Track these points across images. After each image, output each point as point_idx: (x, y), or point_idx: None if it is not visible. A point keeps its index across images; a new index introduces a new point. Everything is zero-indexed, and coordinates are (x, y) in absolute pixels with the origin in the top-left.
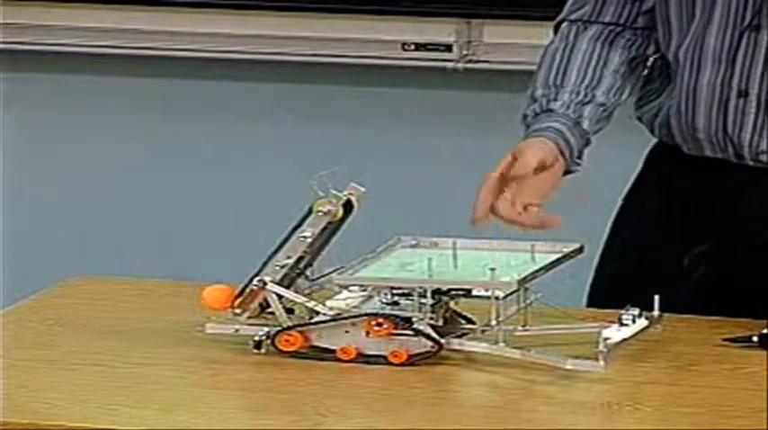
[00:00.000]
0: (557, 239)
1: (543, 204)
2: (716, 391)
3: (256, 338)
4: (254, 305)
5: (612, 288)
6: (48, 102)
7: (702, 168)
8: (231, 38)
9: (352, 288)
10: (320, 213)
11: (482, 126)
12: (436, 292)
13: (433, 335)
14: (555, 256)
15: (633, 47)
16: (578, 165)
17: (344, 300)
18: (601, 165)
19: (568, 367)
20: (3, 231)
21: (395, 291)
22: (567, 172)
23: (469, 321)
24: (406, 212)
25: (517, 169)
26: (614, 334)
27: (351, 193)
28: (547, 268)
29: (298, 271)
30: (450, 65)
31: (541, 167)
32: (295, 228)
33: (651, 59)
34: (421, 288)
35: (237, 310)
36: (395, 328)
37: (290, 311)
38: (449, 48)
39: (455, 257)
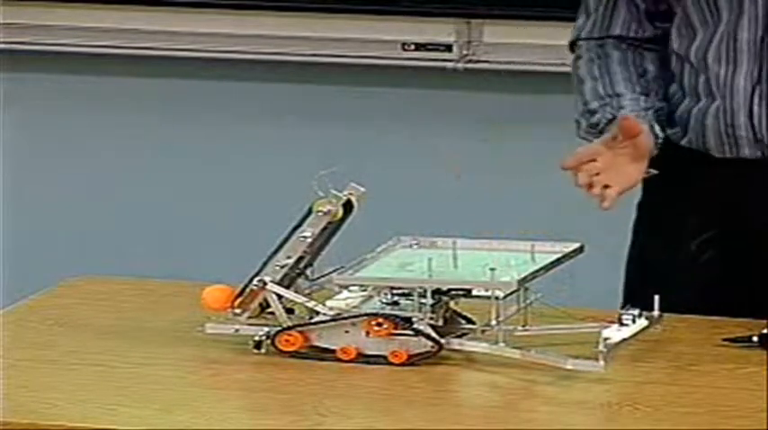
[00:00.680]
0: (557, 239)
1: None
2: (716, 391)
3: (256, 338)
4: (254, 305)
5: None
6: (48, 102)
7: (727, 169)
8: (231, 38)
9: (352, 288)
10: (320, 213)
11: (482, 126)
12: (436, 292)
13: (433, 335)
14: (555, 256)
15: (658, 50)
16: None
17: (344, 299)
18: None
19: (568, 367)
20: (3, 231)
21: (395, 291)
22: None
23: (469, 321)
24: (406, 212)
25: (636, 127)
26: (614, 334)
27: (351, 193)
28: (547, 268)
29: (298, 271)
30: (450, 65)
31: (639, 148)
32: (295, 228)
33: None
34: (421, 288)
35: (237, 310)
36: (395, 328)
37: (290, 311)
38: (449, 48)
39: (455, 257)
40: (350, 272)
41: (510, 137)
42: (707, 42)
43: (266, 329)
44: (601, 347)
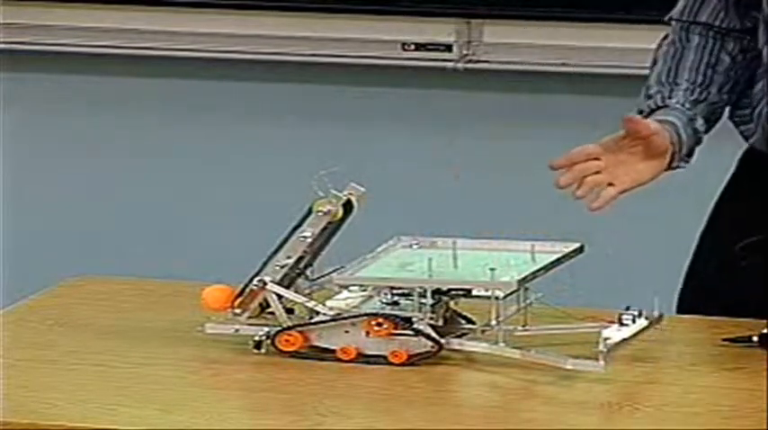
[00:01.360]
0: (557, 239)
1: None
2: (716, 391)
3: (256, 338)
4: (254, 305)
5: (702, 292)
6: (48, 102)
7: None
8: (231, 38)
9: (352, 288)
10: (320, 213)
11: (482, 126)
12: (436, 292)
13: (433, 335)
14: (555, 256)
15: (744, 41)
16: (687, 162)
17: (344, 299)
18: None
19: (568, 367)
20: (3, 231)
21: (395, 291)
22: (672, 167)
23: (469, 321)
24: (406, 212)
25: (641, 128)
26: (614, 334)
27: (350, 193)
28: (547, 268)
29: (298, 271)
30: (450, 65)
31: (652, 148)
32: (295, 228)
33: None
34: (421, 288)
35: (237, 310)
36: (395, 328)
37: (289, 311)
38: (449, 48)
39: (455, 257)
40: (350, 272)
41: (510, 137)
42: None
43: (266, 329)
44: (601, 347)
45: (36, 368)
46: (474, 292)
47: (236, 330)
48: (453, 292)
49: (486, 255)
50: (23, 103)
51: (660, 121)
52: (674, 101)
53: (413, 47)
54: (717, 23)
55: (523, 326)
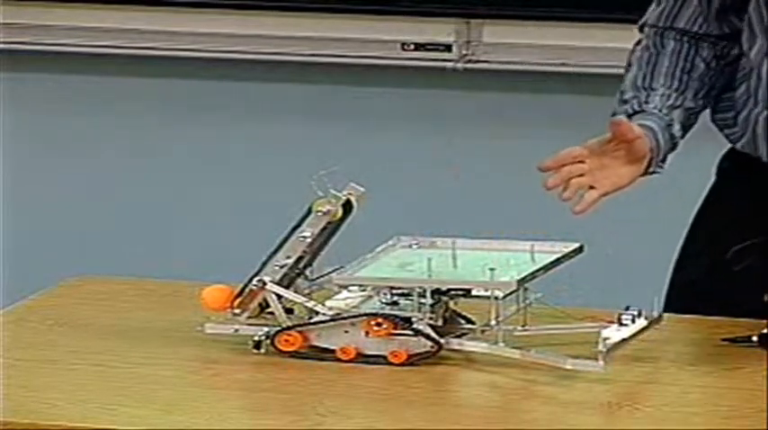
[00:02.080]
0: (557, 239)
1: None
2: (716, 391)
3: (256, 338)
4: (254, 305)
5: (690, 294)
6: (48, 102)
7: None
8: (231, 38)
9: (351, 288)
10: (320, 213)
11: (482, 126)
12: (436, 292)
13: (433, 335)
14: (554, 256)
15: (718, 47)
16: (661, 167)
17: (344, 299)
18: None
19: (568, 367)
20: (3, 231)
21: (394, 291)
22: (648, 172)
23: (469, 321)
24: (405, 212)
25: (627, 131)
26: (614, 334)
27: (350, 193)
28: (546, 268)
29: (297, 271)
30: (449, 65)
31: (633, 152)
32: (294, 228)
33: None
34: (420, 288)
35: (237, 310)
36: (394, 328)
37: (289, 311)
38: (448, 48)
39: (454, 257)
40: (349, 272)
41: (509, 137)
42: (765, 50)
43: (266, 329)
44: (600, 347)
45: (36, 368)
46: (473, 292)
47: (236, 330)
48: (453, 292)
49: (486, 255)
50: (23, 103)
51: (638, 126)
52: (651, 106)
53: (412, 47)
54: (694, 29)
55: (523, 326)
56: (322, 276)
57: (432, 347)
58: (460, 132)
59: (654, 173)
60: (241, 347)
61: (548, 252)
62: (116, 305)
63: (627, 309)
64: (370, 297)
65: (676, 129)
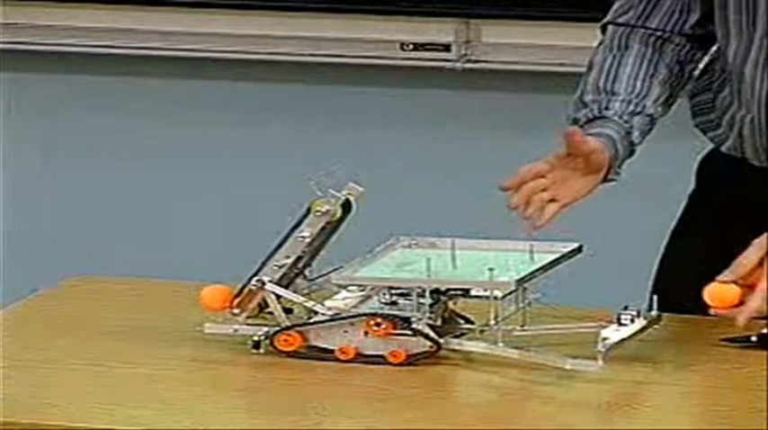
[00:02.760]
0: (556, 240)
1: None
2: (715, 391)
3: (255, 338)
4: (253, 305)
5: (674, 294)
6: (48, 102)
7: (765, 176)
8: (231, 38)
9: (350, 288)
10: (319, 213)
11: (481, 126)
12: (435, 292)
13: (432, 334)
14: (553, 256)
15: (682, 52)
16: (618, 175)
17: (343, 299)
18: None
19: (567, 367)
20: (3, 231)
21: (393, 291)
22: (606, 180)
23: (468, 321)
24: (404, 212)
25: (581, 145)
26: (613, 334)
27: (349, 193)
28: (545, 268)
29: (296, 271)
30: (448, 65)
31: (591, 165)
32: (294, 228)
33: (701, 67)
34: (419, 288)
35: (236, 310)
36: (393, 328)
37: (288, 311)
38: (447, 48)
39: (454, 257)
40: (348, 272)
41: (509, 137)
42: (744, 55)
43: (265, 329)
44: (599, 347)
45: (36, 368)
46: (472, 292)
47: (235, 330)
48: (452, 292)
49: (485, 256)
50: (23, 102)
51: (597, 134)
52: (611, 112)
53: (411, 47)
54: (668, 28)
55: (522, 326)
56: (321, 276)
57: (431, 347)
58: (460, 132)
59: (611, 180)
60: (240, 347)
61: (546, 252)
62: (116, 305)
63: (626, 308)
64: (369, 297)
65: (635, 136)
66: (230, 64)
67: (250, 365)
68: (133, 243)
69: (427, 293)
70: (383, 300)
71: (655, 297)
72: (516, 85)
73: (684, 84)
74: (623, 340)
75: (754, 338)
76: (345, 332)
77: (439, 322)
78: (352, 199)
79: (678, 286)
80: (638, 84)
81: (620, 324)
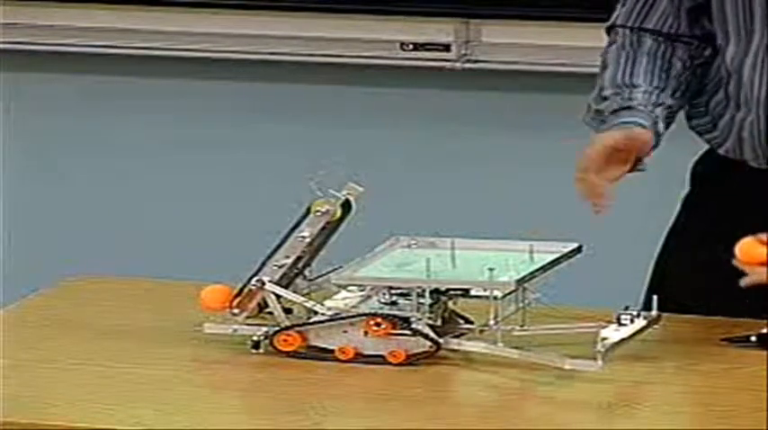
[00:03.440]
0: (556, 239)
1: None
2: (715, 391)
3: (255, 338)
4: (253, 305)
5: (669, 295)
6: (48, 102)
7: (764, 177)
8: (231, 38)
9: (350, 288)
10: (318, 213)
11: (481, 126)
12: (434, 292)
13: (432, 334)
14: (553, 256)
15: (691, 47)
16: (644, 165)
17: (343, 299)
18: None
19: (567, 367)
20: (3, 231)
21: (393, 291)
22: (633, 170)
23: (468, 321)
24: (404, 212)
25: (648, 146)
26: (612, 334)
27: (349, 193)
28: (545, 268)
29: (296, 271)
30: (448, 65)
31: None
32: (293, 228)
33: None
34: (419, 288)
35: (236, 310)
36: (393, 328)
37: (288, 311)
38: (447, 48)
39: (453, 257)
40: (348, 272)
41: (508, 137)
42: (743, 53)
43: (264, 329)
44: (599, 347)
45: (36, 368)
46: (472, 292)
47: (235, 330)
48: (452, 292)
49: (485, 255)
50: (23, 102)
51: (629, 123)
52: (635, 102)
53: (411, 47)
54: (664, 30)
55: (522, 326)
56: (321, 276)
57: (430, 347)
58: (459, 132)
59: (641, 170)
60: (240, 347)
61: (546, 252)
62: (116, 305)
63: (626, 308)
64: (368, 297)
65: (661, 126)
66: (230, 64)
67: (250, 365)
68: (133, 243)
69: (427, 293)
70: (383, 300)
71: (654, 297)
72: (516, 84)
73: (698, 80)
74: (623, 340)
75: (753, 338)
76: (345, 332)
77: (439, 322)
78: (351, 199)
79: (673, 287)
80: (655, 78)
81: (620, 324)
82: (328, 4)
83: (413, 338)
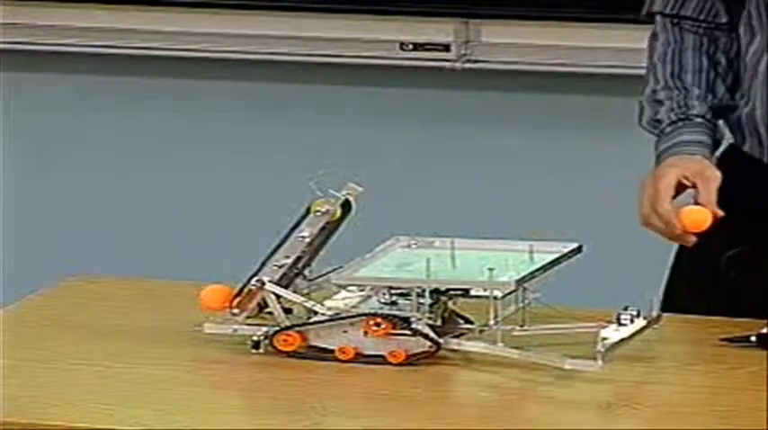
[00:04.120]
0: (556, 239)
1: None
2: (715, 391)
3: (254, 338)
4: (253, 305)
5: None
6: (48, 102)
7: None
8: (231, 38)
9: (350, 288)
10: (318, 213)
11: (480, 126)
12: (434, 292)
13: (432, 334)
14: (553, 256)
15: (733, 37)
16: None
17: (343, 299)
18: (600, 165)
19: (567, 367)
20: (3, 231)
21: (393, 291)
22: None
23: (468, 321)
24: (404, 212)
25: (708, 177)
26: (612, 334)
27: (349, 193)
28: (545, 268)
29: (296, 271)
30: (448, 65)
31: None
32: (293, 228)
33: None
34: (419, 288)
35: (236, 310)
36: (393, 328)
37: (288, 311)
38: (447, 48)
39: (453, 257)
40: (348, 272)
41: (508, 137)
42: (763, 48)
43: (264, 329)
44: (599, 347)
45: (36, 368)
46: (472, 292)
47: (235, 330)
48: (451, 292)
49: (485, 255)
50: (23, 102)
51: (692, 142)
52: (693, 112)
53: (411, 47)
54: (702, 17)
55: (521, 326)
56: (321, 276)
57: (430, 347)
58: (459, 132)
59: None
60: (240, 347)
61: (546, 252)
62: (116, 305)
63: (626, 308)
64: (368, 297)
65: (719, 133)
66: (230, 64)
67: (250, 365)
68: (133, 243)
69: (427, 293)
70: (383, 300)
71: (654, 297)
72: (516, 84)
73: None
74: (623, 340)
75: (753, 338)
76: (345, 332)
77: (439, 322)
78: (351, 199)
79: (689, 287)
80: (704, 77)
81: (620, 324)
82: (328, 4)
83: (413, 338)
